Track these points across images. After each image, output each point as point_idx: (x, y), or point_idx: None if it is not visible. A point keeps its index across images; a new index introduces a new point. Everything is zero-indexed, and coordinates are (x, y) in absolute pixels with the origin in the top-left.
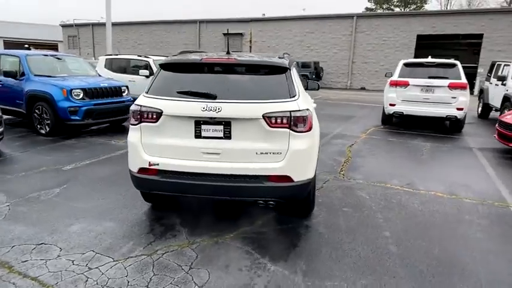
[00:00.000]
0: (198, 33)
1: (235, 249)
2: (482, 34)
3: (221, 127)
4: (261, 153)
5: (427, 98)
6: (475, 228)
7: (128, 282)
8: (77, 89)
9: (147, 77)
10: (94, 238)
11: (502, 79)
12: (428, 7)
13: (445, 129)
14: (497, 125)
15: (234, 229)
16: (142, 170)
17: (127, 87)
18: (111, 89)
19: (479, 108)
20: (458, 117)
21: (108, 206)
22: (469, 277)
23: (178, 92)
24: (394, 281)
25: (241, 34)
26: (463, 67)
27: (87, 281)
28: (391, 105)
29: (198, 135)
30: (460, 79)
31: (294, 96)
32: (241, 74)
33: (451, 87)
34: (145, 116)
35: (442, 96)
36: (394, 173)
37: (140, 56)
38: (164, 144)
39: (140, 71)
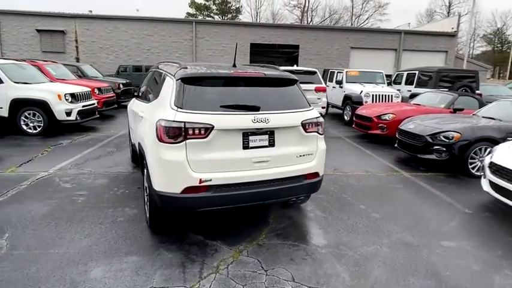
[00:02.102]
0: None
1: (280, 245)
2: (299, 45)
3: (266, 136)
4: (300, 155)
5: None
6: (398, 188)
7: None
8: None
9: None
10: (144, 279)
11: (339, 83)
12: (242, 17)
13: None
14: (354, 117)
15: (257, 230)
16: (188, 189)
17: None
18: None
19: None
20: (323, 114)
21: (106, 243)
22: (404, 208)
23: (222, 106)
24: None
25: (62, 32)
26: None
27: None
28: None
29: (246, 146)
30: (321, 83)
31: (310, 105)
32: (266, 86)
33: (316, 90)
34: (192, 132)
35: (310, 98)
36: None
37: None
38: (214, 159)
39: None
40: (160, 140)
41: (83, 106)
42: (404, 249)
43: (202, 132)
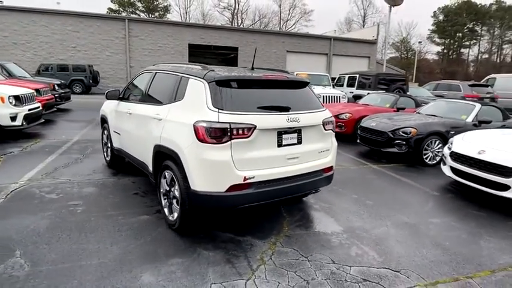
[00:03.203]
0: None
1: (306, 234)
2: (238, 47)
3: (295, 134)
4: (320, 151)
5: None
6: (374, 178)
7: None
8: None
9: None
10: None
11: None
12: (170, 16)
13: None
14: None
15: (278, 223)
16: (233, 187)
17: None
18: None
19: None
20: None
21: (138, 250)
22: (388, 195)
23: (259, 107)
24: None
25: None
26: None
27: None
28: None
29: (280, 144)
30: None
31: (323, 106)
32: (287, 88)
33: None
34: (237, 132)
35: None
36: None
37: None
38: (255, 157)
39: None
40: (202, 140)
41: (29, 110)
42: (406, 228)
43: (246, 132)
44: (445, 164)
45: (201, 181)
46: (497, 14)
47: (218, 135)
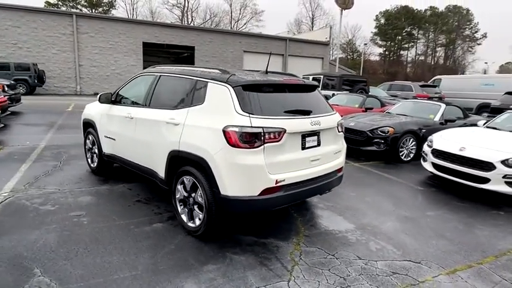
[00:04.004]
0: None
1: (324, 233)
2: (194, 47)
3: (316, 137)
4: (335, 152)
5: None
6: (362, 176)
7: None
8: None
9: None
10: None
11: None
12: (116, 13)
13: None
14: None
15: (292, 224)
16: (265, 191)
17: None
18: None
19: None
20: None
21: (167, 259)
22: (380, 191)
23: (286, 112)
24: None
25: None
26: None
27: None
28: None
29: (303, 147)
30: None
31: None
32: (303, 92)
33: None
34: (269, 136)
35: None
36: None
37: None
38: (284, 160)
39: None
40: (234, 145)
41: None
42: (409, 222)
43: (277, 136)
44: (425, 160)
45: (233, 186)
46: (432, 19)
47: (251, 139)
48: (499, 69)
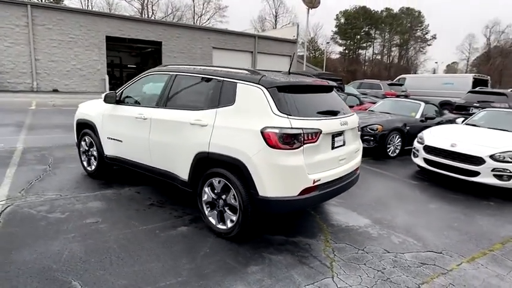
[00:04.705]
0: None
1: (346, 229)
2: (161, 42)
3: (342, 137)
4: (355, 151)
5: None
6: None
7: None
8: None
9: None
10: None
11: None
12: (68, 3)
13: None
14: None
15: (312, 222)
16: (304, 191)
17: None
18: None
19: None
20: None
21: (207, 263)
22: (381, 187)
23: (318, 112)
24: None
25: None
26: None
27: None
28: None
29: (333, 147)
30: None
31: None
32: (326, 92)
33: None
34: (307, 137)
35: None
36: None
37: None
38: (318, 160)
39: None
40: (274, 147)
41: None
42: (419, 215)
43: (314, 137)
44: (416, 156)
45: (274, 187)
46: (387, 20)
47: (291, 141)
48: (446, 69)
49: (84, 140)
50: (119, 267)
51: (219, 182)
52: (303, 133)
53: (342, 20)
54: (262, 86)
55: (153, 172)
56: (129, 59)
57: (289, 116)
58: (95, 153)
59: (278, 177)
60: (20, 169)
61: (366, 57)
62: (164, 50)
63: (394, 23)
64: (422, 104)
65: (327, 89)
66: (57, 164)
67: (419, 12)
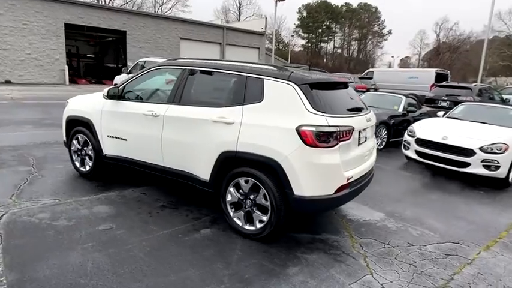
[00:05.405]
0: None
1: (365, 224)
2: (126, 31)
3: (365, 133)
4: (373, 148)
5: None
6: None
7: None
8: None
9: None
10: None
11: None
12: None
13: None
14: None
15: (332, 217)
16: (339, 188)
17: None
18: None
19: None
20: None
21: (244, 267)
22: (382, 180)
23: (348, 110)
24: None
25: None
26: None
27: None
28: None
29: (358, 143)
30: None
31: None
32: (344, 89)
33: None
34: (342, 135)
35: None
36: None
37: None
38: (350, 158)
39: None
40: (311, 145)
41: None
42: (425, 207)
43: (348, 134)
44: (407, 148)
45: (311, 186)
46: (347, 14)
47: (327, 139)
48: (400, 63)
49: (77, 139)
50: (153, 278)
51: (247, 181)
52: (339, 131)
53: (304, 14)
54: (292, 82)
55: (165, 172)
56: (87, 49)
57: (324, 114)
58: (90, 152)
59: (315, 175)
60: (0, 172)
61: (327, 51)
62: (129, 40)
63: (354, 18)
64: (404, 98)
65: (346, 86)
66: (41, 165)
67: (376, 8)
